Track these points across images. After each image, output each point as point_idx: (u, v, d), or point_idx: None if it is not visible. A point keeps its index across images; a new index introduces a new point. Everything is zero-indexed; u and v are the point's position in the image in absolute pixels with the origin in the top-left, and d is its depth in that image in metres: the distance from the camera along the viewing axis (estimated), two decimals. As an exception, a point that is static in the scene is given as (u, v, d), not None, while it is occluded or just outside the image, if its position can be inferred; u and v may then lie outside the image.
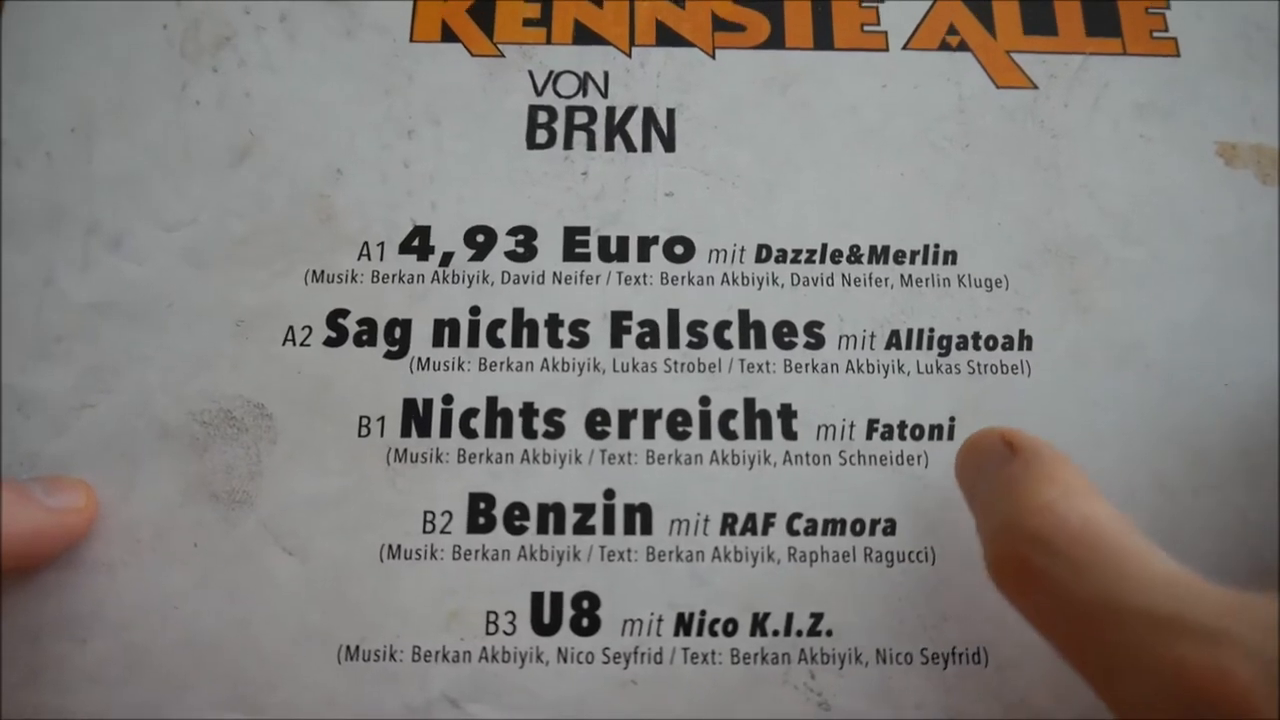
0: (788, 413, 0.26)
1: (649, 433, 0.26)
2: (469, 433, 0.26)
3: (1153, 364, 0.27)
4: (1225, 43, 0.30)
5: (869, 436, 0.26)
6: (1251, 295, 0.28)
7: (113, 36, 0.29)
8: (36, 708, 0.24)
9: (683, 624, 0.25)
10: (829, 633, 0.25)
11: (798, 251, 0.28)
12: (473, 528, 0.26)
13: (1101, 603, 0.17)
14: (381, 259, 0.28)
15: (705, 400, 0.27)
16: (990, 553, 0.20)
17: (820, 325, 0.27)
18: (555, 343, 0.27)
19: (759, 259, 0.28)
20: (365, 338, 0.27)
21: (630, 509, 0.26)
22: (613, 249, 0.28)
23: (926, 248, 0.28)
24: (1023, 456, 0.21)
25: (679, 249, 0.28)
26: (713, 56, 0.30)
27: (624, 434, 0.26)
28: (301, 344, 0.27)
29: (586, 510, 0.26)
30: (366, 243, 0.28)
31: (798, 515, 0.26)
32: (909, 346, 0.27)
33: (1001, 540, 0.19)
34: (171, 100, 0.29)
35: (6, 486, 0.23)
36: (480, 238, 0.28)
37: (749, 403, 0.27)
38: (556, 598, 0.25)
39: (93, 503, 0.25)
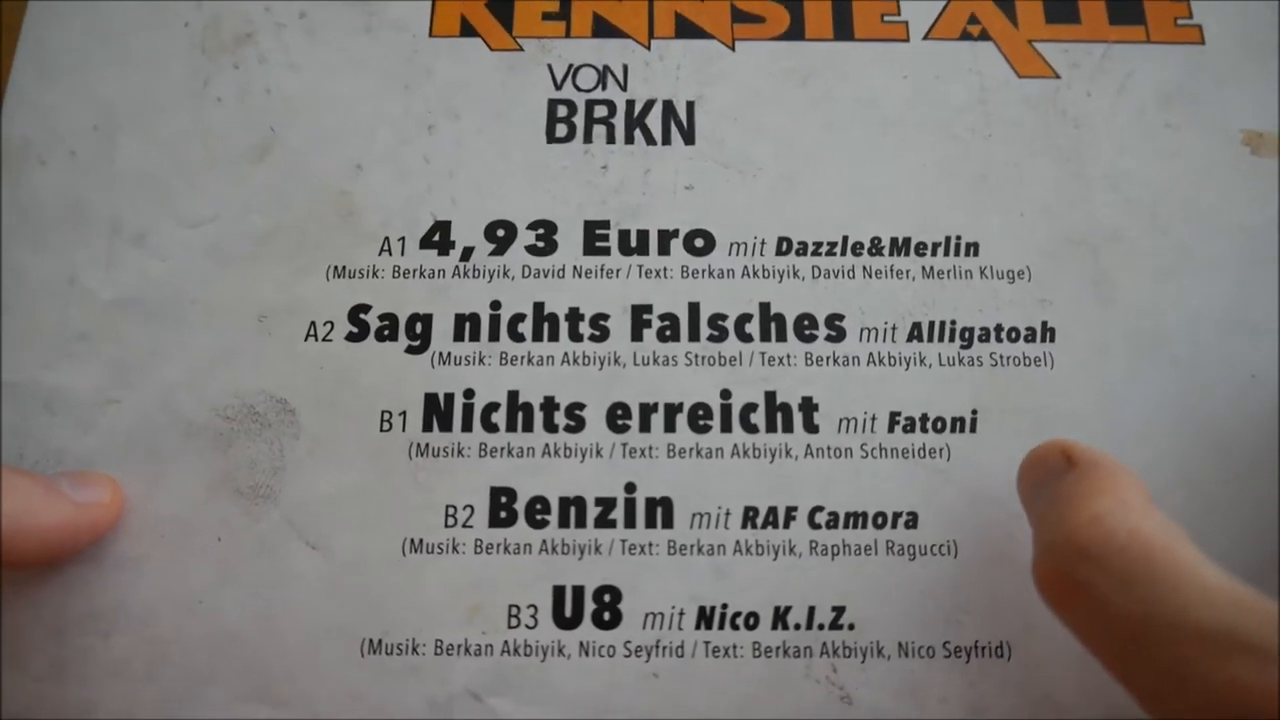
0: (809, 406, 0.26)
1: (670, 426, 0.26)
2: (490, 427, 0.26)
3: (1177, 356, 0.27)
4: (1250, 30, 0.30)
5: (890, 429, 0.26)
6: (1277, 286, 0.27)
7: (134, 34, 0.30)
8: (60, 701, 0.24)
9: (704, 618, 0.25)
10: (851, 626, 0.25)
11: (818, 244, 0.28)
12: (494, 522, 0.26)
13: (1148, 618, 0.17)
14: (402, 254, 0.28)
15: (726, 394, 0.27)
16: (1038, 566, 0.20)
17: (841, 318, 0.27)
18: (576, 337, 0.27)
19: (779, 252, 0.28)
20: (387, 333, 0.27)
21: (651, 503, 0.26)
22: (633, 242, 0.28)
23: (948, 239, 0.28)
24: (1079, 468, 0.20)
25: (699, 242, 0.28)
26: (732, 49, 0.30)
27: (645, 428, 0.26)
28: (324, 339, 0.27)
29: (608, 504, 0.26)
30: (387, 238, 0.28)
31: (819, 509, 0.26)
32: (930, 339, 0.27)
33: (1049, 554, 0.19)
34: (193, 97, 0.29)
35: (34, 481, 0.24)
36: (500, 232, 0.28)
37: (770, 396, 0.26)
38: (578, 591, 0.25)
39: (118, 497, 0.26)
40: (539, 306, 0.27)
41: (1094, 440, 0.25)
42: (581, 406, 0.26)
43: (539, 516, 0.26)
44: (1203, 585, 0.17)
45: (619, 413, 0.26)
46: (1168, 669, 0.16)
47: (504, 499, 0.26)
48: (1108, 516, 0.18)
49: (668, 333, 0.27)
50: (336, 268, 0.28)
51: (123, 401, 0.27)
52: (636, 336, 0.27)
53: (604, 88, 0.29)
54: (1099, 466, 0.20)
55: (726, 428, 0.26)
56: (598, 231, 0.28)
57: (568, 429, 0.26)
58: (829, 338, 0.27)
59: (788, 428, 0.26)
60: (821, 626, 0.25)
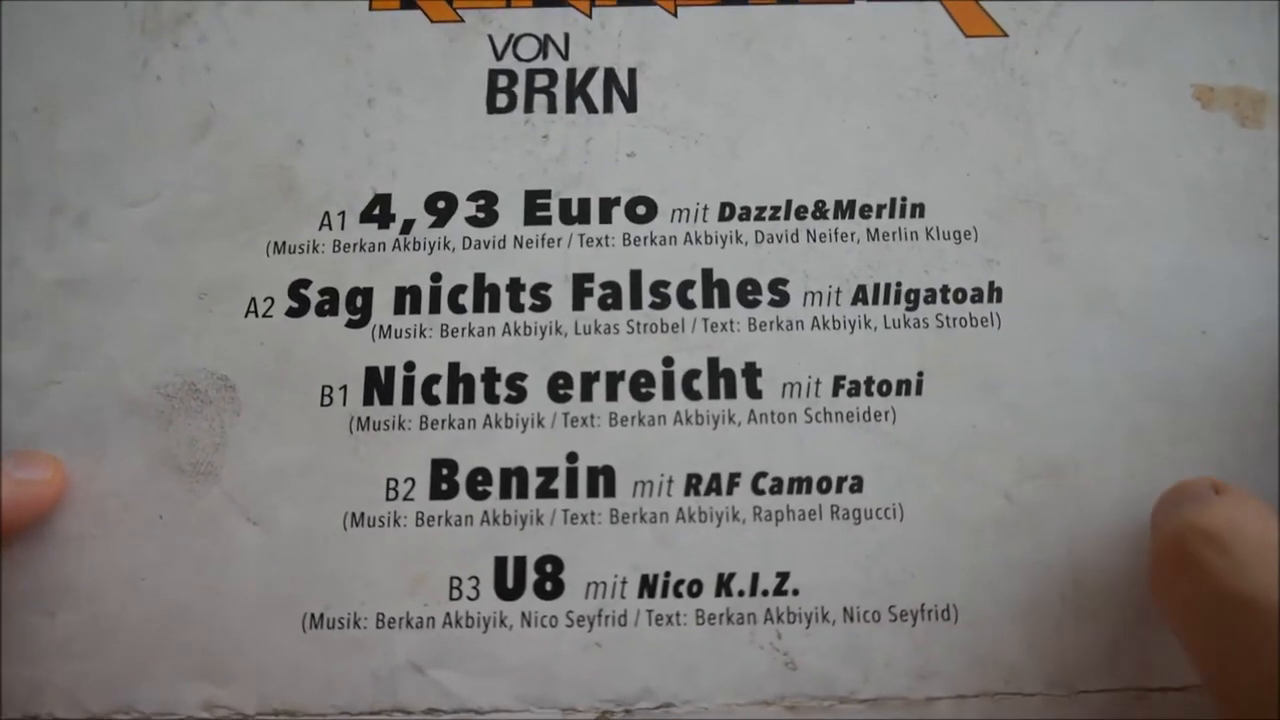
0: (752, 371, 0.26)
1: (612, 395, 0.26)
2: (431, 399, 0.26)
3: (1127, 313, 0.26)
4: (1200, -17, 0.29)
5: (835, 393, 0.26)
6: (1229, 241, 0.27)
7: (74, 16, 0.29)
8: (7, 680, 0.24)
9: (647, 586, 0.25)
10: (795, 592, 0.25)
11: (761, 209, 0.27)
12: (435, 494, 0.25)
13: (1251, 598, 0.19)
14: (343, 228, 0.28)
15: (669, 361, 0.26)
16: (1158, 547, 0.22)
17: (785, 282, 0.27)
18: (517, 307, 0.27)
19: (722, 217, 0.27)
20: (327, 307, 0.27)
21: (593, 471, 0.26)
22: (574, 211, 0.28)
23: (894, 201, 0.27)
24: (1229, 495, 0.22)
25: (641, 209, 0.28)
26: (674, 14, 0.29)
27: (586, 396, 0.26)
28: (264, 315, 0.27)
29: (549, 474, 0.26)
30: (328, 212, 0.28)
31: (763, 474, 0.25)
32: (876, 301, 0.27)
33: (1173, 535, 0.21)
34: (133, 77, 0.29)
35: (-28, 461, 0.24)
36: (441, 204, 0.28)
37: (713, 362, 0.26)
38: (520, 562, 0.25)
39: (60, 475, 0.26)
40: (480, 277, 0.27)
41: (1044, 399, 0.26)
42: (523, 377, 0.26)
43: (480, 488, 0.25)
44: None
45: (560, 382, 0.26)
46: (1249, 643, 0.19)
47: (445, 471, 0.26)
48: (1243, 520, 0.21)
49: (609, 301, 0.27)
50: (277, 243, 0.27)
51: (65, 381, 0.27)
52: (578, 305, 0.27)
53: (545, 57, 0.29)
54: (1244, 494, 0.22)
55: (669, 395, 0.26)
56: (539, 201, 0.28)
57: (509, 399, 0.26)
58: (772, 302, 0.27)
59: (731, 394, 0.26)
60: (765, 593, 0.25)
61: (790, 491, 0.25)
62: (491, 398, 0.26)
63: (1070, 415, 0.26)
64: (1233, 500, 0.22)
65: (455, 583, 0.25)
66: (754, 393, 0.26)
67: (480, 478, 0.26)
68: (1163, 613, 0.22)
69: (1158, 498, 0.24)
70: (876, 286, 0.27)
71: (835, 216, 0.27)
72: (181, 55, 0.29)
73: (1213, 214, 0.27)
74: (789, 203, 0.28)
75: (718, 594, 0.25)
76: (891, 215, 0.27)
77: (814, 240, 0.27)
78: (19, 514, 0.25)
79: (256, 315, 0.27)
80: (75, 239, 0.28)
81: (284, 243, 0.27)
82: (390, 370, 0.26)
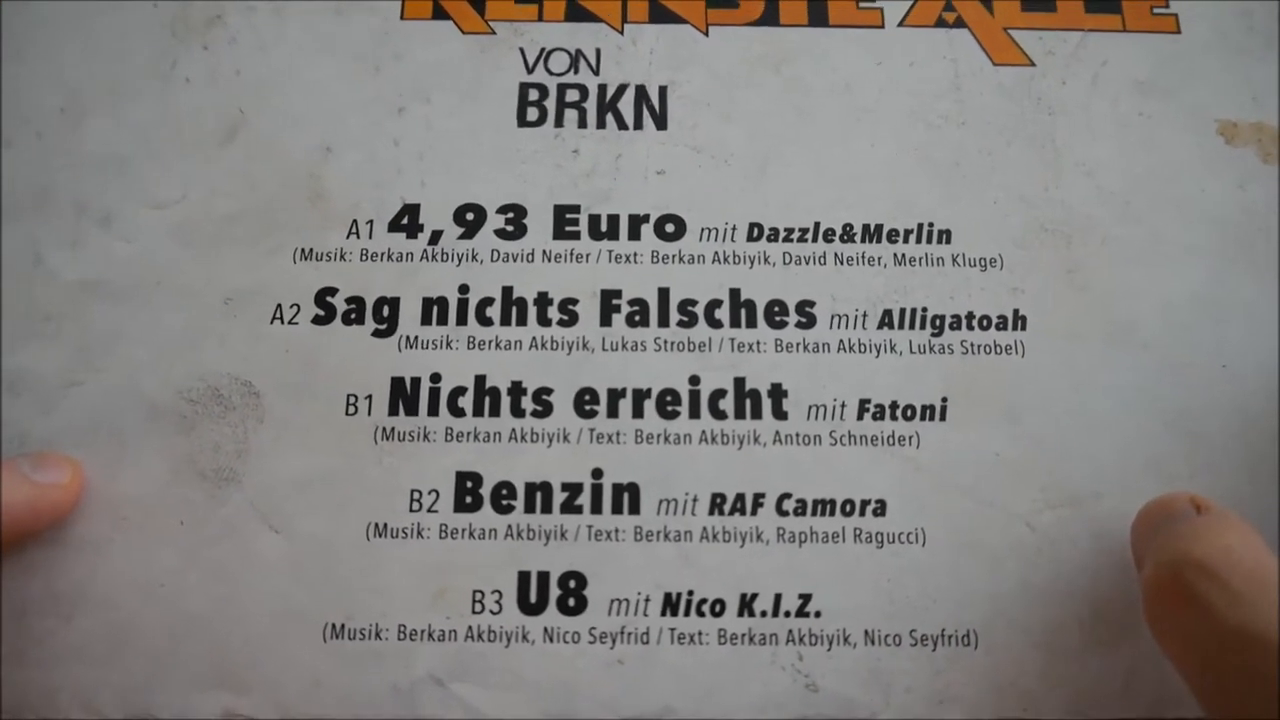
0: (778, 392, 0.26)
1: (638, 412, 0.26)
2: (457, 411, 0.26)
3: (1149, 345, 0.27)
4: (1226, 20, 0.29)
5: (860, 417, 0.26)
6: (1251, 276, 0.27)
7: (102, 15, 0.29)
8: (21, 685, 0.24)
9: (670, 604, 0.25)
10: (817, 614, 0.25)
11: (790, 230, 0.28)
12: (460, 507, 0.25)
13: (1248, 631, 0.19)
14: (370, 237, 0.27)
15: (695, 379, 0.26)
16: (1151, 578, 0.21)
17: (812, 304, 0.27)
18: (544, 321, 0.27)
19: (750, 237, 0.28)
20: (354, 316, 0.27)
21: (618, 488, 0.26)
22: (603, 227, 0.28)
23: (920, 226, 0.28)
24: (1211, 514, 0.22)
25: (670, 227, 0.28)
26: (706, 34, 0.30)
27: (613, 413, 0.26)
28: (290, 322, 0.27)
29: (574, 490, 0.26)
30: (355, 221, 0.28)
31: (787, 495, 0.25)
32: (901, 326, 0.27)
33: (1168, 567, 0.21)
34: (161, 79, 0.29)
35: (-8, 462, 0.24)
36: (470, 216, 0.28)
37: (739, 382, 0.26)
38: (543, 577, 0.25)
39: (79, 478, 0.25)
40: (507, 290, 0.27)
41: (1064, 429, 0.26)
42: (549, 391, 0.26)
43: (505, 502, 0.25)
44: None
45: (587, 398, 0.26)
46: (1252, 678, 0.19)
47: (469, 484, 0.26)
48: (1236, 547, 0.20)
49: (637, 318, 0.27)
50: (304, 250, 0.27)
51: (86, 383, 0.26)
52: (605, 321, 0.27)
53: (576, 71, 0.29)
54: (1227, 515, 0.22)
55: (695, 414, 0.26)
56: (568, 216, 0.28)
57: (535, 414, 0.26)
58: (799, 324, 0.27)
59: (756, 414, 0.26)
60: (788, 614, 0.25)
61: (814, 514, 0.25)
62: (517, 411, 0.26)
63: (1092, 446, 0.26)
64: (1219, 524, 0.21)
65: (478, 596, 0.25)
66: (779, 414, 0.26)
67: (505, 491, 0.26)
68: (1160, 645, 0.21)
69: (1137, 514, 0.24)
70: (902, 311, 0.27)
71: (863, 240, 0.28)
72: (211, 58, 0.29)
73: (1235, 248, 0.27)
74: (817, 225, 0.28)
75: (740, 614, 0.25)
76: (918, 241, 0.27)
77: (841, 263, 0.27)
78: (36, 517, 0.24)
79: (282, 322, 0.27)
80: (99, 240, 0.27)
81: (311, 250, 0.27)
82: (416, 381, 0.26)
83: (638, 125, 0.29)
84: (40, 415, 0.26)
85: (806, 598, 0.25)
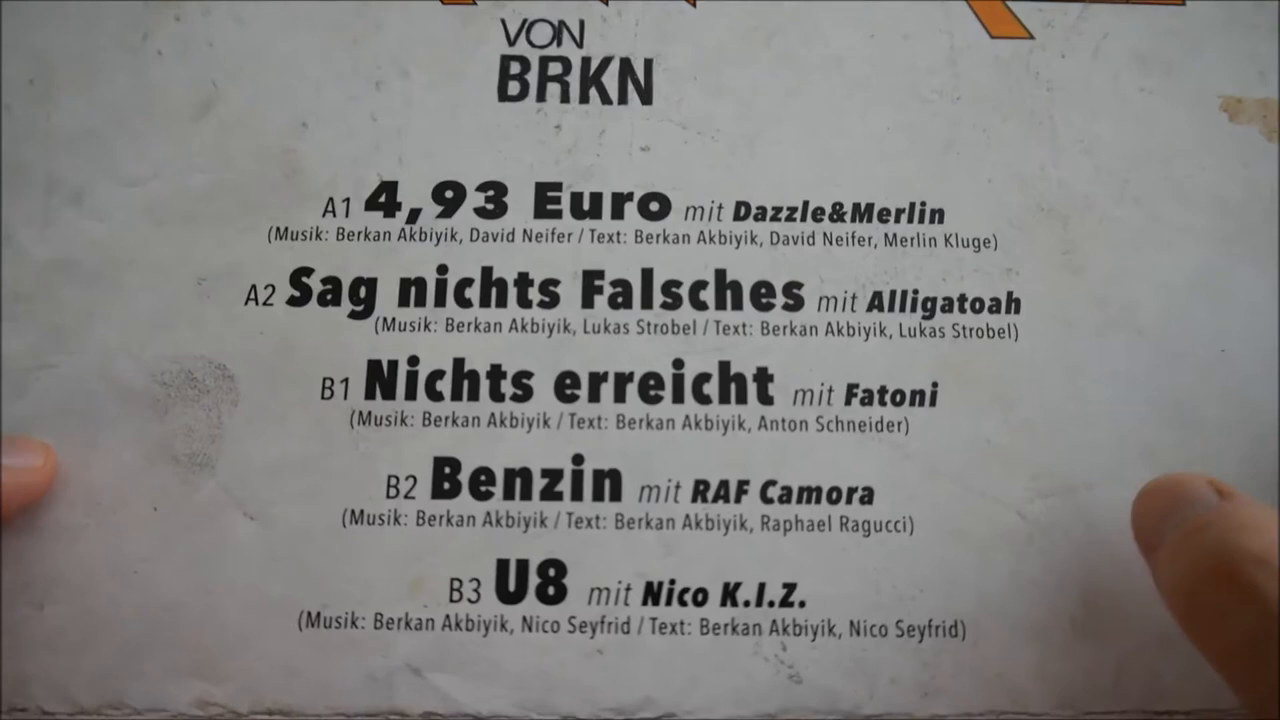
0: (764, 376, 0.26)
1: (620, 396, 0.25)
2: (435, 395, 0.25)
3: (1146, 329, 0.26)
4: (1232, -9, 0.29)
5: (848, 402, 0.25)
6: (1252, 259, 0.26)
7: (73, -15, 0.28)
8: (-8, 672, 0.24)
9: (651, 593, 0.24)
10: (802, 604, 0.24)
11: (778, 209, 0.27)
12: (437, 493, 0.25)
13: None
14: (347, 215, 0.27)
15: (679, 363, 0.26)
16: (1194, 566, 0.20)
17: (799, 286, 0.26)
18: (525, 303, 0.26)
19: (737, 217, 0.27)
20: (329, 297, 0.26)
21: (599, 475, 0.25)
22: (586, 205, 0.27)
23: (912, 205, 0.27)
24: (1237, 499, 0.21)
25: (654, 206, 0.27)
26: (694, 5, 0.29)
27: (594, 397, 0.25)
28: (264, 303, 0.26)
29: (554, 476, 0.25)
30: (332, 199, 0.27)
31: (772, 483, 0.25)
32: (891, 309, 0.26)
33: (1219, 558, 0.20)
34: (132, 51, 0.28)
35: (-40, 446, 0.23)
36: (449, 194, 0.27)
37: (724, 366, 0.26)
38: (522, 565, 0.25)
39: (51, 462, 0.25)
40: (487, 271, 0.26)
41: (1058, 415, 0.25)
42: (529, 375, 0.26)
43: (483, 488, 0.25)
44: None
45: (567, 382, 0.26)
46: None
47: (447, 469, 0.25)
48: None
49: (619, 299, 0.26)
50: (279, 229, 0.27)
51: (58, 365, 0.26)
52: (587, 303, 0.26)
53: (559, 44, 0.28)
54: (1252, 501, 0.21)
55: (678, 398, 0.25)
56: (549, 194, 0.27)
57: (514, 398, 0.25)
58: (786, 306, 0.26)
59: (741, 399, 0.25)
60: (771, 604, 0.24)
61: (799, 501, 0.25)
62: (497, 395, 0.25)
63: (1085, 433, 0.25)
64: (1264, 514, 0.21)
65: (456, 585, 0.24)
66: (765, 399, 0.25)
67: (483, 477, 0.25)
68: (1193, 635, 0.21)
69: (1141, 492, 0.23)
70: (893, 293, 0.26)
71: (853, 220, 0.27)
72: (184, 29, 0.28)
73: (1236, 230, 0.27)
74: (806, 204, 0.27)
75: (723, 604, 0.24)
76: (910, 220, 0.27)
77: (830, 244, 0.27)
78: (8, 502, 0.24)
79: (257, 303, 0.26)
80: (70, 218, 0.27)
81: (286, 229, 0.27)
82: (393, 364, 0.26)
83: (622, 100, 0.28)
84: (11, 398, 0.26)
85: (791, 587, 0.24)
